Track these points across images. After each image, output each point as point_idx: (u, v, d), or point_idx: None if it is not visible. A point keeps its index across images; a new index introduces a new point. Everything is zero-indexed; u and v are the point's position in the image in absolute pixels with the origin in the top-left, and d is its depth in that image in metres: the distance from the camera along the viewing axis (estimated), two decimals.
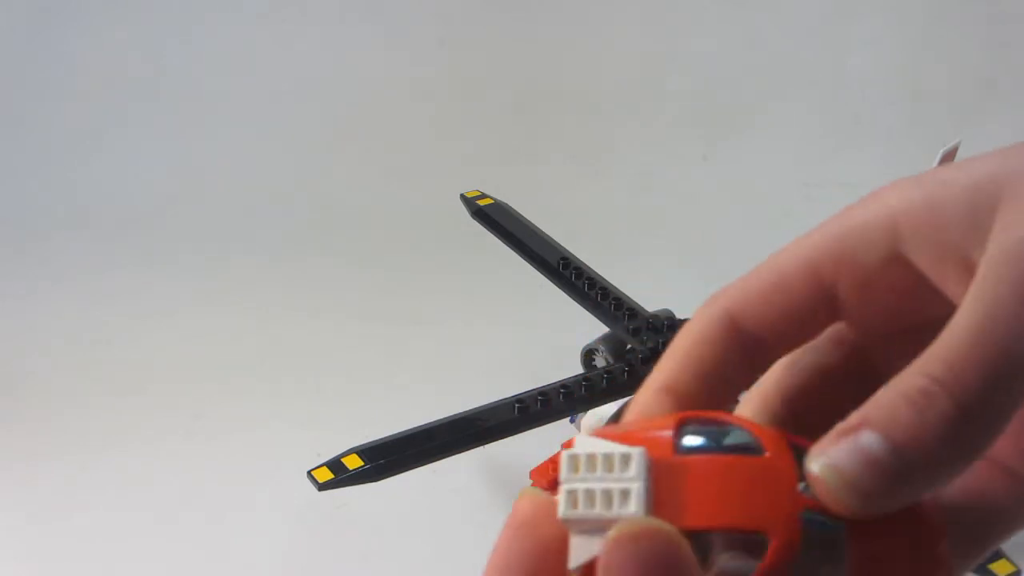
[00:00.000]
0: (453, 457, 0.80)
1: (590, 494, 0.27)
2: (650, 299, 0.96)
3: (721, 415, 0.29)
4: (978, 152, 0.32)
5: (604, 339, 0.92)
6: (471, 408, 0.80)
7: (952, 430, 0.28)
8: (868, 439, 0.28)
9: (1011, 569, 0.72)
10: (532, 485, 0.32)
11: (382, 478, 0.77)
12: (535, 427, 0.81)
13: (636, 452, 0.27)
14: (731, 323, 0.35)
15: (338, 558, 1.05)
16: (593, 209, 1.70)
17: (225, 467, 1.16)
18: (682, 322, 0.90)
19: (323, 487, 0.77)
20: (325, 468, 0.78)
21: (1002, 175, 0.30)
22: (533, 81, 1.91)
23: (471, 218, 1.08)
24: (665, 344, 0.88)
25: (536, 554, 0.31)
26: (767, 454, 0.27)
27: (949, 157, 1.20)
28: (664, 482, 0.27)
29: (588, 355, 0.92)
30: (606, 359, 0.91)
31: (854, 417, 0.28)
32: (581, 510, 0.27)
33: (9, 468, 1.18)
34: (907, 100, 1.83)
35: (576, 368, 0.90)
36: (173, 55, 1.92)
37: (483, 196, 1.09)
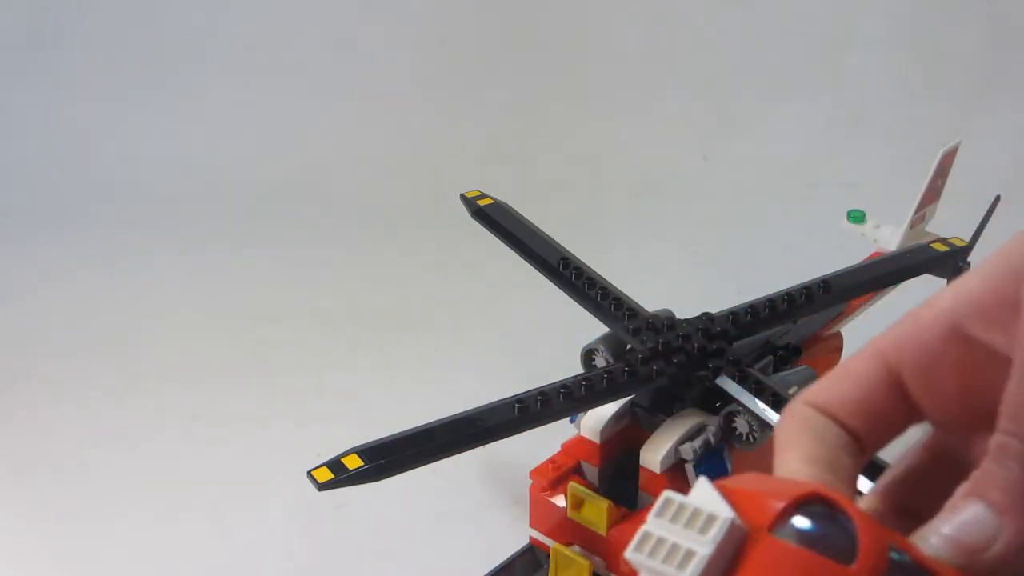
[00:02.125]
0: (453, 457, 0.80)
1: (661, 543, 0.28)
2: (650, 299, 0.96)
3: (844, 502, 0.29)
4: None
5: (604, 339, 0.92)
6: (471, 408, 0.80)
7: None
8: (971, 507, 0.30)
9: None
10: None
11: (382, 478, 0.77)
12: (535, 427, 0.81)
13: (722, 518, 0.27)
14: (894, 379, 0.35)
15: (338, 558, 1.05)
16: (593, 209, 1.70)
17: (225, 467, 1.16)
18: (682, 322, 0.90)
19: (323, 487, 0.77)
20: (325, 468, 0.78)
21: None
22: (533, 81, 1.91)
23: (471, 218, 1.08)
24: (665, 344, 0.88)
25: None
26: (852, 567, 0.27)
27: (949, 157, 1.20)
28: (741, 554, 0.28)
29: (588, 355, 0.92)
30: (606, 359, 0.91)
31: (959, 493, 0.31)
32: (646, 556, 0.28)
33: (9, 468, 1.18)
34: (907, 100, 1.83)
35: (576, 368, 0.90)
36: (174, 54, 1.92)
37: (483, 196, 1.09)
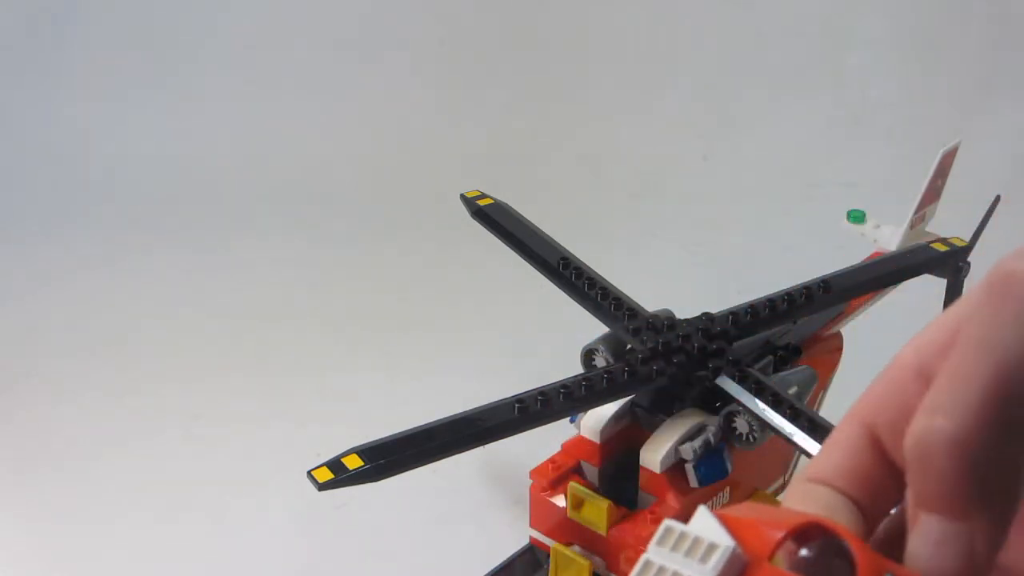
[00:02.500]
0: (453, 457, 0.80)
1: (663, 572, 0.28)
2: (650, 299, 0.96)
3: (843, 532, 0.29)
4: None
5: (604, 339, 0.92)
6: (471, 408, 0.80)
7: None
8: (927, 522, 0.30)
9: None
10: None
11: (382, 478, 0.76)
12: (535, 427, 0.81)
13: (723, 547, 0.28)
14: (874, 440, 0.36)
15: (338, 558, 1.05)
16: (593, 209, 1.70)
17: (225, 467, 1.16)
18: (682, 322, 0.90)
19: (323, 487, 0.77)
20: (325, 468, 0.78)
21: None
22: (534, 81, 1.91)
23: (471, 218, 1.08)
24: (665, 344, 0.88)
25: None
26: None
27: (949, 157, 1.20)
28: None
29: (588, 355, 0.92)
30: (606, 359, 0.91)
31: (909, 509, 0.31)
32: None
33: (9, 468, 1.18)
34: (907, 100, 1.84)
35: (576, 368, 0.90)
36: (174, 54, 1.92)
37: (483, 196, 1.09)
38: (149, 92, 1.89)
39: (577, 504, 0.86)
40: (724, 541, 0.28)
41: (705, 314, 0.92)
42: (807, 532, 0.29)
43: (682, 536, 0.28)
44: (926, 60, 1.85)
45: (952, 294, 1.09)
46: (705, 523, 0.29)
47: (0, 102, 1.87)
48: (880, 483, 0.34)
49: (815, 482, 0.34)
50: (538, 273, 1.00)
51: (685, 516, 0.28)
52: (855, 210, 1.21)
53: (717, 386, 0.87)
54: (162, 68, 1.90)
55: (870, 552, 0.29)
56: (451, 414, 0.80)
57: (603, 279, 0.96)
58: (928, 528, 0.30)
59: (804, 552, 0.29)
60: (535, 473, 0.88)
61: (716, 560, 0.28)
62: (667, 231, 1.64)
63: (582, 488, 0.85)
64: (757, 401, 0.84)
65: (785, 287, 0.94)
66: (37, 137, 1.83)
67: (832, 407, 1.00)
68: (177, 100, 1.88)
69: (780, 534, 0.29)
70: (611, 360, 0.90)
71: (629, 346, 0.91)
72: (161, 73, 1.90)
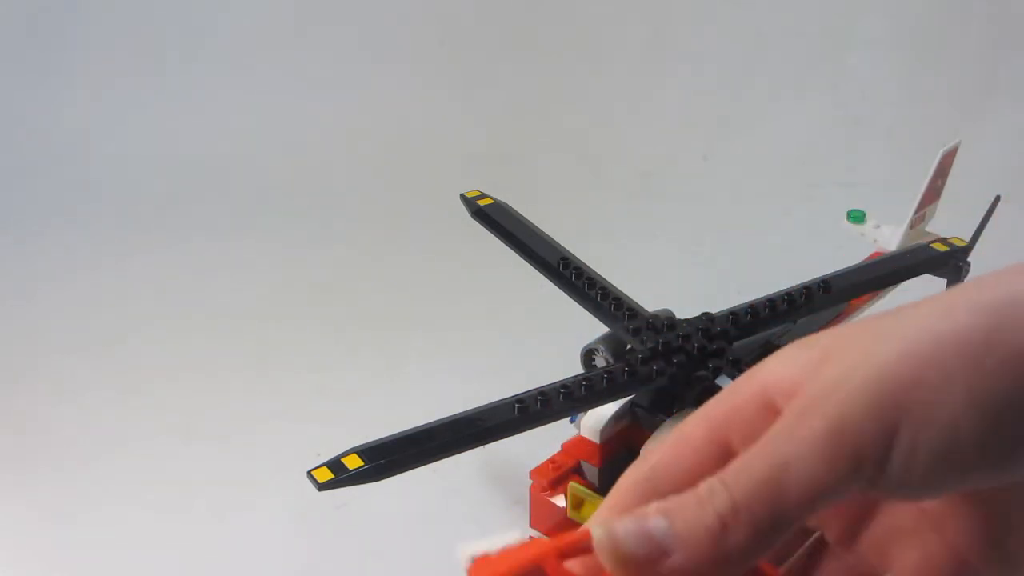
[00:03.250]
0: (453, 457, 0.80)
1: None
2: (650, 299, 0.96)
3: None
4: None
5: (604, 339, 0.92)
6: (471, 408, 0.80)
7: (726, 524, 0.32)
8: (656, 522, 0.32)
9: None
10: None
11: (382, 478, 0.76)
12: (535, 427, 0.81)
13: None
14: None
15: (338, 558, 1.05)
16: (593, 209, 1.70)
17: (225, 467, 1.16)
18: (682, 322, 0.90)
19: (323, 487, 0.77)
20: (325, 468, 0.78)
21: (831, 344, 0.35)
22: (534, 81, 1.91)
23: (471, 218, 1.08)
24: (665, 344, 0.88)
25: None
26: None
27: (949, 157, 1.20)
28: None
29: (588, 355, 0.92)
30: (606, 359, 0.91)
31: (654, 506, 0.33)
32: None
33: (8, 468, 1.18)
34: (907, 100, 1.83)
35: (576, 368, 0.90)
36: (174, 53, 1.92)
37: (483, 196, 1.09)
38: (149, 92, 1.89)
39: (577, 504, 0.86)
40: None
41: (705, 314, 0.92)
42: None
43: None
44: (926, 60, 1.85)
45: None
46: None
47: (0, 102, 1.87)
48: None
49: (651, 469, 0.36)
50: (538, 273, 1.00)
51: None
52: (855, 210, 1.21)
53: (717, 386, 0.87)
54: (162, 67, 1.91)
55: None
56: (451, 414, 0.80)
57: (603, 279, 0.96)
58: (654, 524, 0.33)
59: None
60: (535, 473, 0.88)
61: None
62: (667, 231, 1.64)
63: (582, 488, 0.85)
64: None
65: (785, 287, 0.94)
66: (37, 137, 1.83)
67: None
68: (177, 100, 1.88)
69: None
70: (611, 360, 0.90)
71: (629, 346, 0.91)
72: (162, 73, 1.90)
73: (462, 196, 1.10)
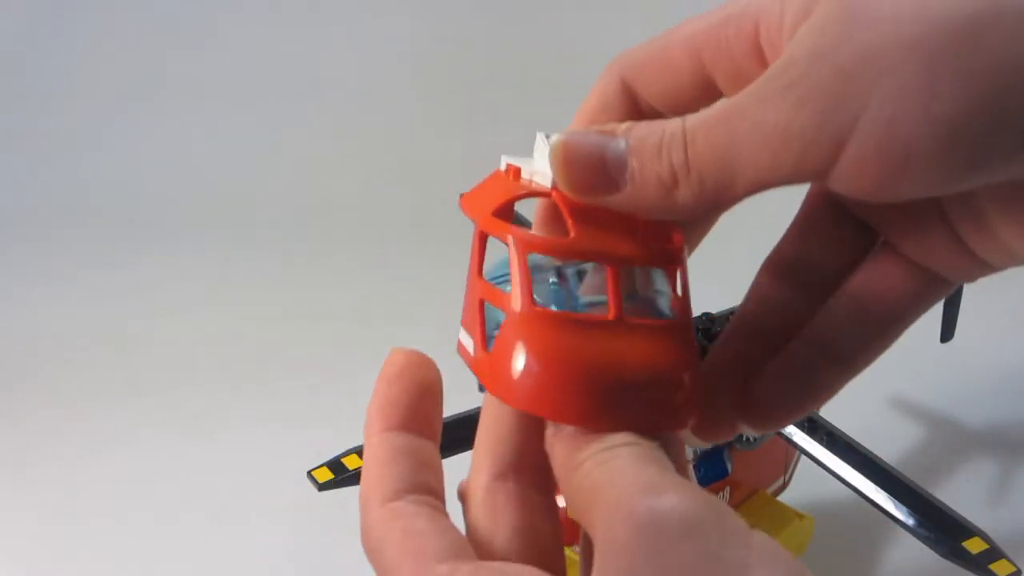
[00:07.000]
0: (453, 457, 0.80)
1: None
2: None
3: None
4: None
5: None
6: (471, 408, 0.80)
7: (677, 179, 0.32)
8: (616, 143, 0.33)
9: (1011, 569, 0.72)
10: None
11: None
12: None
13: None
14: (628, 92, 0.39)
15: (338, 558, 1.05)
16: None
17: (225, 467, 1.16)
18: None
19: (323, 487, 0.77)
20: (325, 468, 0.77)
21: None
22: (534, 80, 1.91)
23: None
24: None
25: (416, 393, 0.38)
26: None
27: None
28: None
29: None
30: None
31: (624, 126, 0.34)
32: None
33: (8, 468, 1.18)
34: None
35: None
36: (173, 52, 1.92)
37: None
38: (150, 95, 1.89)
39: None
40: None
41: (705, 314, 0.92)
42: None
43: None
44: None
45: (952, 293, 1.09)
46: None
47: (0, 104, 1.87)
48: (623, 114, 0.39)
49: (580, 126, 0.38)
50: None
51: None
52: None
53: None
54: (163, 71, 1.91)
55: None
56: (451, 414, 0.80)
57: None
58: (613, 145, 0.34)
59: None
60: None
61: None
62: None
63: None
64: None
65: None
66: (38, 138, 1.83)
67: (831, 404, 1.00)
68: (177, 103, 1.88)
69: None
70: None
71: None
72: (162, 76, 1.90)
73: (462, 196, 1.10)
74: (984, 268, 0.36)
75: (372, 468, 0.35)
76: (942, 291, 0.39)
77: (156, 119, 1.86)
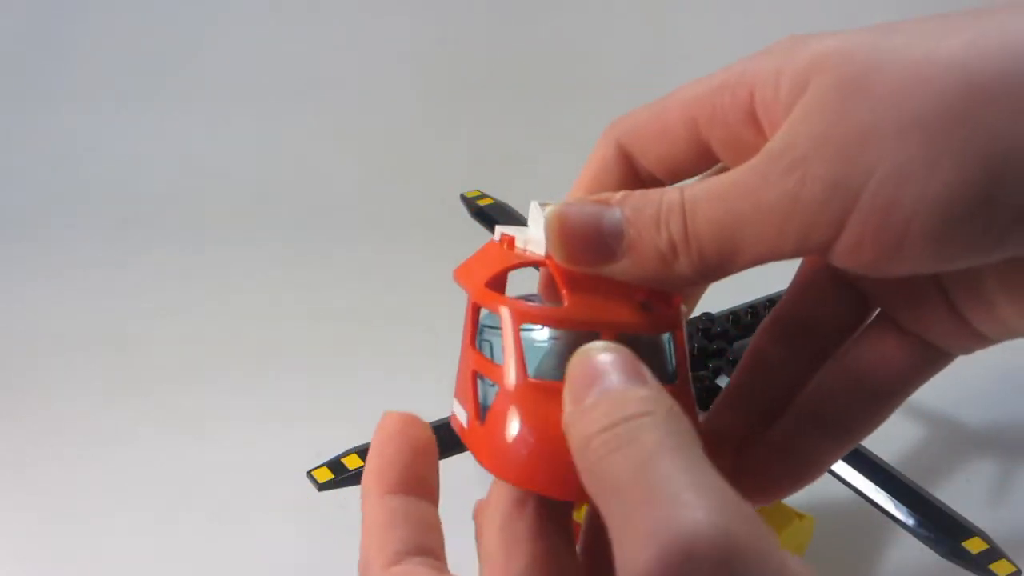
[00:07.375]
0: (453, 457, 0.80)
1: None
2: None
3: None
4: None
5: None
6: None
7: (676, 251, 0.33)
8: (612, 213, 0.33)
9: (1011, 569, 0.72)
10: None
11: None
12: None
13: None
14: (625, 157, 0.40)
15: (338, 558, 1.05)
16: None
17: (225, 467, 1.16)
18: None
19: (323, 487, 0.77)
20: (325, 468, 0.78)
21: (820, 56, 0.35)
22: (534, 80, 1.91)
23: (471, 218, 1.08)
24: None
25: (410, 454, 0.39)
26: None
27: None
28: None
29: None
30: None
31: (619, 195, 0.34)
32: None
33: (8, 468, 1.18)
34: None
35: None
36: (173, 52, 1.92)
37: (483, 196, 1.09)
38: (150, 94, 1.89)
39: (577, 505, 0.85)
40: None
41: (705, 314, 0.92)
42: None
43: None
44: None
45: None
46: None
47: (1, 104, 1.87)
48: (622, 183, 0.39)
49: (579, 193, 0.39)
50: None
51: None
52: None
53: (717, 386, 0.87)
54: (162, 71, 1.91)
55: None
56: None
57: None
58: (608, 215, 0.35)
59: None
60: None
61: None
62: None
63: None
64: None
65: (786, 287, 0.94)
66: (37, 137, 1.83)
67: None
68: (176, 101, 1.88)
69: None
70: None
71: None
72: (161, 75, 1.90)
73: (462, 196, 1.10)
74: (983, 341, 0.37)
75: (373, 532, 0.35)
76: (939, 364, 0.39)
77: (156, 119, 1.86)
